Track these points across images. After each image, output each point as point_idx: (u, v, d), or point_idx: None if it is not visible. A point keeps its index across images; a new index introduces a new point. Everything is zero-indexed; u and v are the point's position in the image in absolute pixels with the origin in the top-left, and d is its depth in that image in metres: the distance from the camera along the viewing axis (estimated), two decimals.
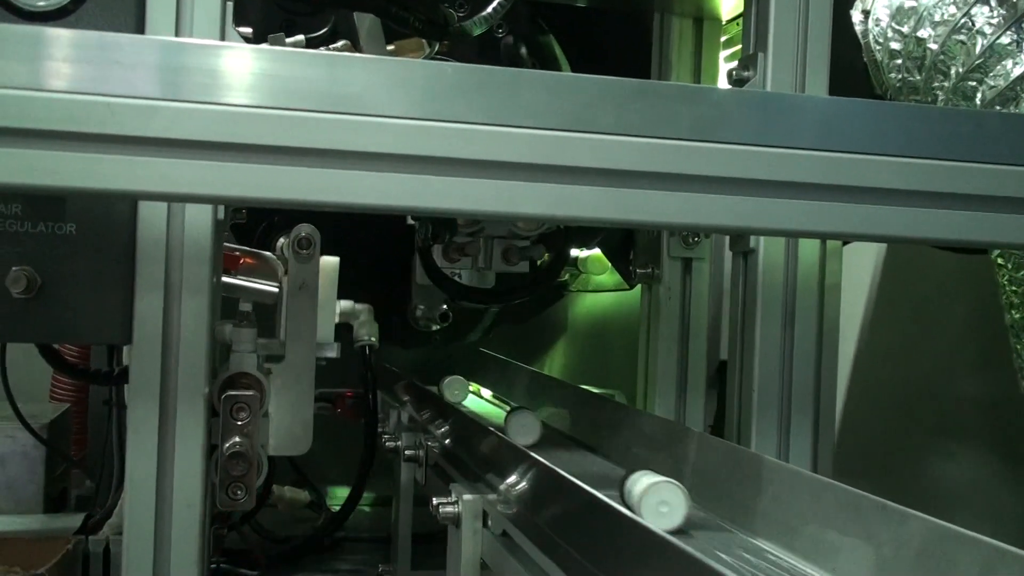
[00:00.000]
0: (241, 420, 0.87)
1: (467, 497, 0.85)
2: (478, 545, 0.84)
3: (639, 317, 1.33)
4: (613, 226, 1.15)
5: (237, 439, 0.86)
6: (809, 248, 1.01)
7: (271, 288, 1.04)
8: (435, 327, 1.53)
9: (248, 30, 0.95)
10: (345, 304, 1.17)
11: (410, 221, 1.36)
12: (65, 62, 0.63)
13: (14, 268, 0.83)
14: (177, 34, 0.86)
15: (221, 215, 0.89)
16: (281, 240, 1.05)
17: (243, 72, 0.66)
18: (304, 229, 0.98)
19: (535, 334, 1.88)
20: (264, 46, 0.98)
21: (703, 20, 1.28)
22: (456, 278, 1.36)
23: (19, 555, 1.00)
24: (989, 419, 1.59)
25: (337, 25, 1.33)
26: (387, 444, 1.22)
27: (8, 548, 1.02)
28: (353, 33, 1.35)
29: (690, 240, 1.28)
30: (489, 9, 1.29)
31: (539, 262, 1.29)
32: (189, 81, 0.64)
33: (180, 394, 0.87)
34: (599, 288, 1.58)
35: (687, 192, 0.74)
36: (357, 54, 0.82)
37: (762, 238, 1.01)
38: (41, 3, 0.81)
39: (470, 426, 0.99)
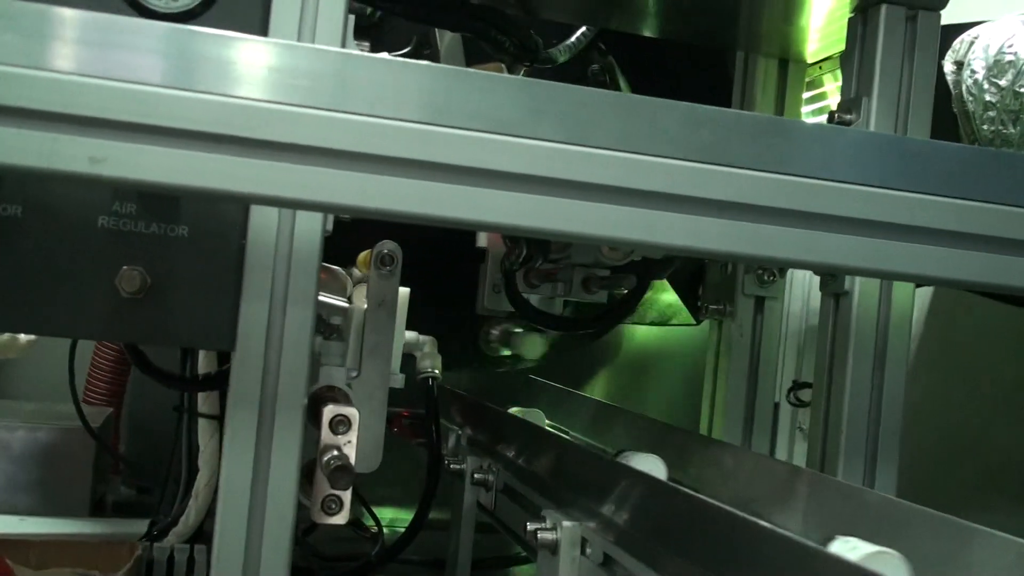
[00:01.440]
0: (341, 433, 0.86)
1: (567, 524, 0.85)
2: (575, 573, 0.84)
3: (689, 351, 1.34)
4: (744, 261, 1.16)
5: (335, 453, 0.85)
6: (902, 291, 1.01)
7: (342, 303, 1.04)
8: (505, 352, 1.52)
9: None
10: (409, 335, 1.17)
11: (481, 243, 1.36)
12: (201, 62, 0.63)
13: (125, 267, 0.82)
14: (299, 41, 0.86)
15: (329, 226, 0.89)
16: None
17: (377, 82, 0.65)
18: (387, 246, 0.98)
19: (574, 365, 1.88)
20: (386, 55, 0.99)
21: (788, 61, 1.29)
22: None
23: (88, 558, 0.99)
24: None
25: (420, 44, 1.34)
26: (450, 467, 1.22)
27: (77, 551, 1.01)
28: (434, 53, 1.35)
29: (766, 279, 1.28)
30: (574, 38, 1.30)
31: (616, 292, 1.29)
32: (297, 85, 0.64)
33: (280, 405, 0.86)
34: (655, 321, 1.58)
35: (815, 231, 0.74)
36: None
37: (857, 280, 1.01)
38: (174, 4, 0.82)
39: (572, 450, 0.97)
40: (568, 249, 1.09)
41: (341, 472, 0.82)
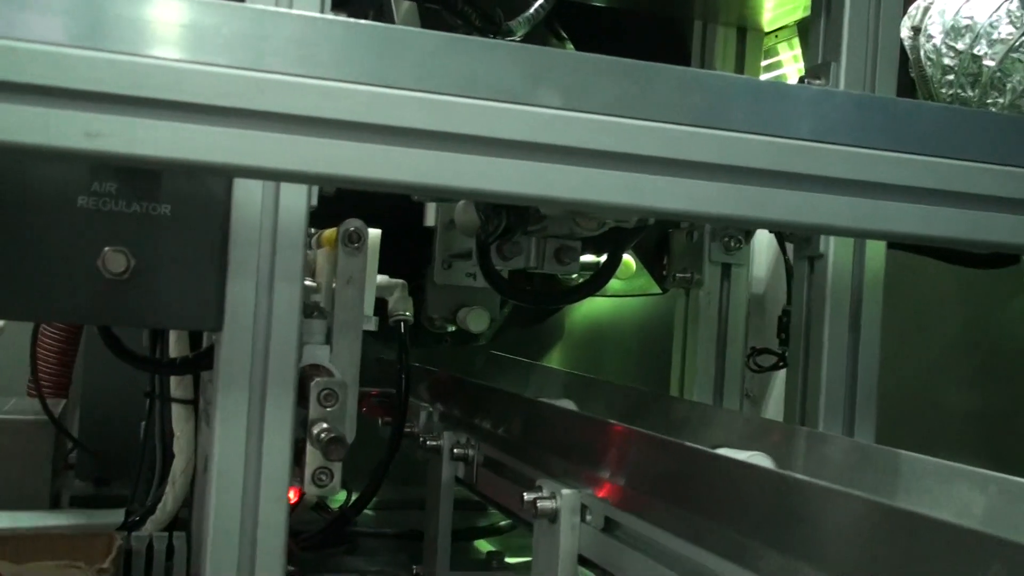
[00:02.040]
0: (330, 406, 0.85)
1: (566, 491, 0.85)
2: (575, 540, 0.85)
3: (643, 321, 1.34)
4: (739, 224, 1.17)
5: (325, 426, 0.84)
6: (875, 252, 1.04)
7: (308, 283, 1.03)
8: (450, 328, 1.52)
9: None
10: (381, 278, 1.19)
11: (429, 223, 1.40)
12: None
13: (107, 248, 0.80)
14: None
15: (314, 200, 0.87)
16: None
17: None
18: (353, 224, 0.97)
19: (532, 339, 1.89)
20: None
21: (746, 30, 1.31)
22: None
23: (67, 550, 0.96)
24: (979, 432, 1.64)
25: (378, 16, 1.32)
26: (426, 443, 1.21)
27: (54, 543, 0.98)
28: (389, 21, 1.34)
29: (732, 245, 1.30)
30: (531, 10, 1.29)
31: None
32: (279, 52, 0.62)
33: (271, 385, 0.85)
34: (618, 293, 1.59)
35: (808, 192, 0.75)
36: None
37: (832, 243, 1.03)
38: None
39: (567, 417, 0.98)
40: (545, 220, 1.08)
41: (335, 444, 0.82)
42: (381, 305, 1.20)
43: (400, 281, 1.24)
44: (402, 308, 1.24)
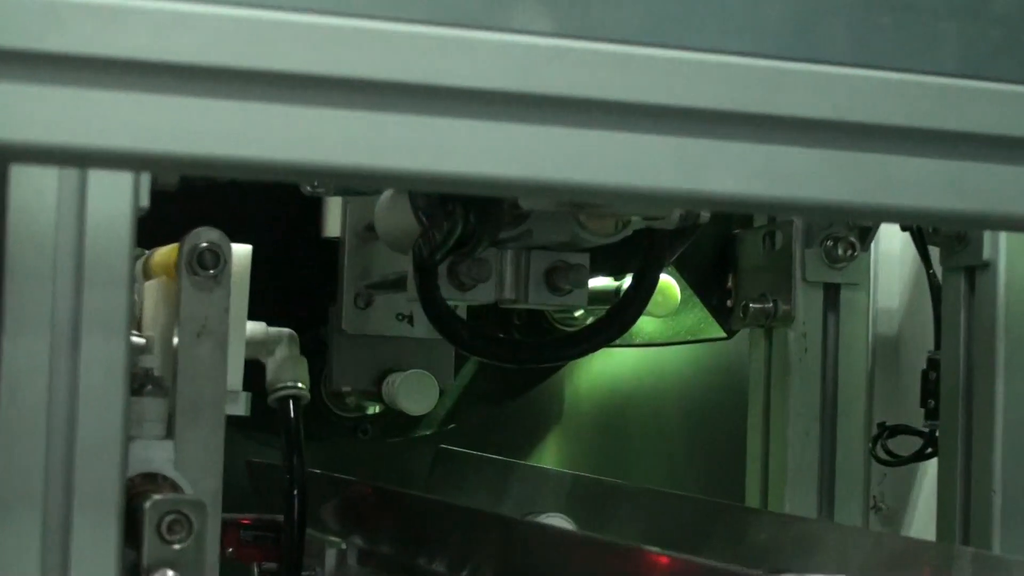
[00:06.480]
0: (179, 541, 0.86)
1: None
2: None
3: (693, 384, 1.31)
4: (861, 219, 1.16)
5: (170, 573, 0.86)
6: None
7: (136, 338, 1.02)
8: (372, 409, 1.53)
9: None
10: (255, 328, 1.20)
11: (332, 233, 1.41)
12: None
13: None
14: None
15: (145, 201, 0.88)
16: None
17: None
18: (206, 236, 0.98)
19: (510, 422, 1.88)
20: None
21: None
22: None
23: None
24: None
25: None
26: None
27: None
28: None
29: (840, 254, 1.29)
30: None
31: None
32: None
33: (78, 513, 0.85)
34: (653, 340, 1.59)
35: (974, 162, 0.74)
36: None
37: (1002, 244, 1.03)
38: None
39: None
40: (528, 220, 1.08)
41: None
42: (254, 372, 1.19)
43: (286, 332, 1.23)
44: (290, 376, 1.22)
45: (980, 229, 1.03)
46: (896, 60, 0.73)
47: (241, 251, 1.04)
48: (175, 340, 0.98)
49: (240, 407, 1.04)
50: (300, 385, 1.22)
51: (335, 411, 1.54)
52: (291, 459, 1.22)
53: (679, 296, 1.48)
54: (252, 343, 1.17)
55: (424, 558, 1.19)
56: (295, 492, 1.22)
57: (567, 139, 0.69)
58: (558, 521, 1.20)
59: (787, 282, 1.31)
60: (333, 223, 1.41)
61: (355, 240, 1.40)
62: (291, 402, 1.22)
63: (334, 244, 1.42)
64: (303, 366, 1.23)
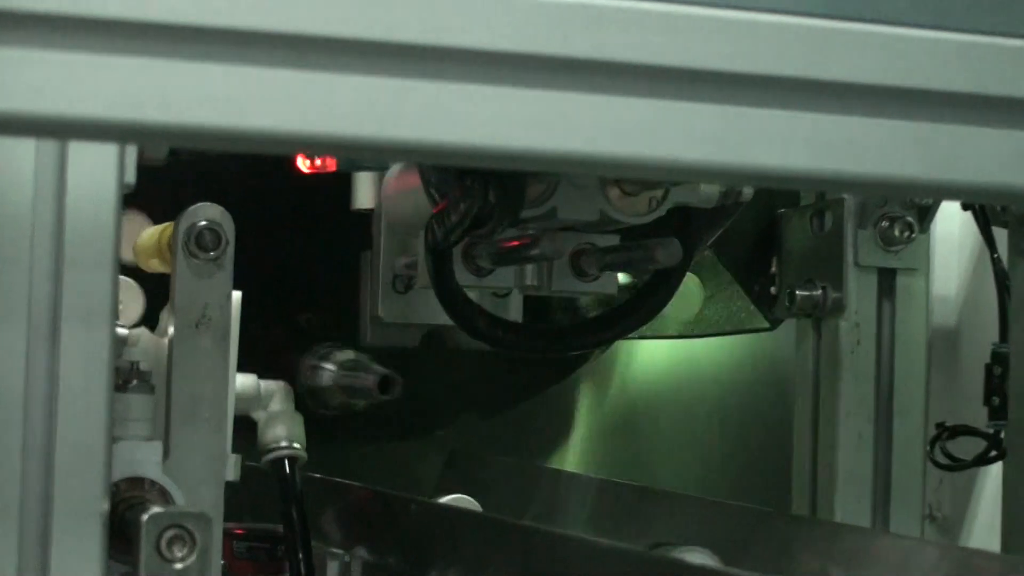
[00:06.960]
0: (183, 560, 0.85)
1: None
2: None
3: (730, 380, 1.31)
4: (924, 194, 1.15)
5: None
6: None
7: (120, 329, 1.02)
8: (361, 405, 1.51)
9: None
10: (245, 382, 1.17)
11: (362, 205, 1.37)
12: None
13: None
14: None
15: (131, 177, 0.88)
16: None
17: None
18: (205, 213, 0.98)
19: (528, 420, 1.86)
20: None
21: None
22: None
23: None
24: None
25: None
26: None
27: None
28: None
29: (897, 235, 1.28)
30: None
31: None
32: None
33: (57, 522, 0.85)
34: (686, 331, 1.57)
35: None
36: None
37: None
38: None
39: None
40: (552, 198, 1.07)
41: None
42: (244, 428, 1.17)
43: (279, 384, 1.21)
44: (285, 434, 1.19)
45: None
46: (965, 21, 0.73)
47: (232, 299, 1.02)
48: (169, 331, 0.98)
49: (229, 471, 1.01)
50: (296, 445, 1.20)
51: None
52: (290, 510, 1.19)
53: (702, 296, 1.49)
54: (243, 398, 1.16)
55: (435, 571, 1.19)
56: (299, 531, 1.19)
57: (598, 107, 0.68)
58: (700, 557, 1.17)
59: (837, 267, 1.31)
60: (364, 193, 1.37)
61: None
62: (287, 462, 1.19)
63: (366, 216, 1.37)
64: (299, 423, 1.21)
